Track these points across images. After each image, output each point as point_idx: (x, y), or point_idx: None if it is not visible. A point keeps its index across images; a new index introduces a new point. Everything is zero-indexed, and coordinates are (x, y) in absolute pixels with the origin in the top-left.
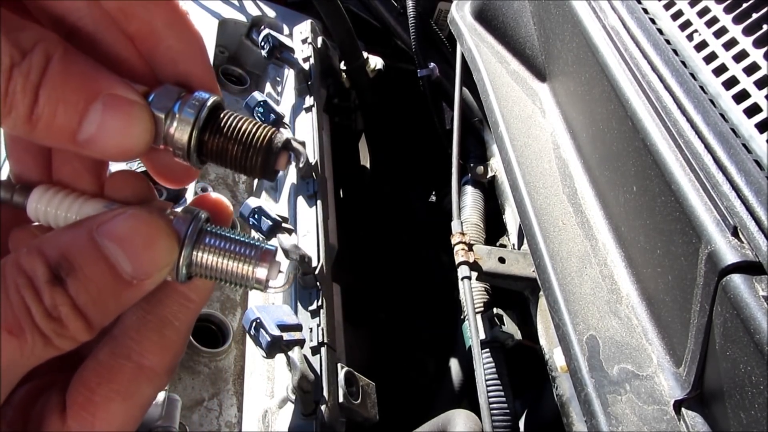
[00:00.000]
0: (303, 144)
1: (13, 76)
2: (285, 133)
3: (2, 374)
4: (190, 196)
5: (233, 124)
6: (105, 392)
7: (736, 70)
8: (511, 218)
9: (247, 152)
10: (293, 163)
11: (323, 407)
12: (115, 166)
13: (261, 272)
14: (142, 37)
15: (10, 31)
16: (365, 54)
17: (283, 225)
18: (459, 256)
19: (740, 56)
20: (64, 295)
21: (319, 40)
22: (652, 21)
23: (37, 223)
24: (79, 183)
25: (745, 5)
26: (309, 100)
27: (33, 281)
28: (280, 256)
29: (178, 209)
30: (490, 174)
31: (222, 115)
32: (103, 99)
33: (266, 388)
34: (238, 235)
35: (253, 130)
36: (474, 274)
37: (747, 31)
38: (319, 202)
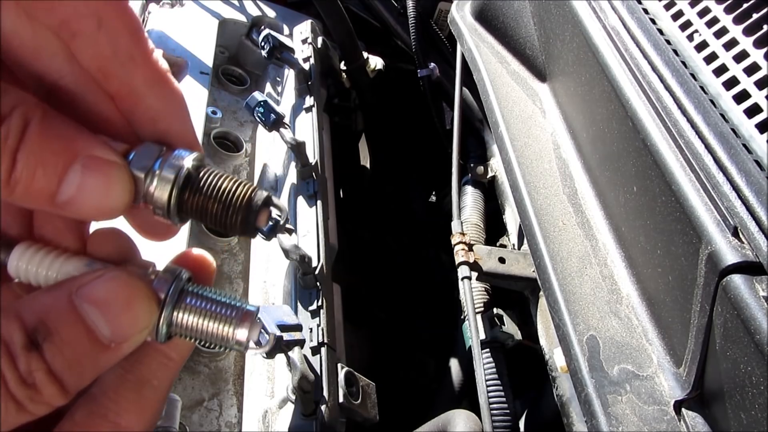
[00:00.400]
0: (281, 207)
1: None
2: (265, 192)
3: None
4: None
5: (213, 183)
6: None
7: (736, 70)
8: (511, 218)
9: (226, 211)
10: (275, 219)
11: (323, 407)
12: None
13: (241, 333)
14: (122, 96)
15: None
16: (365, 54)
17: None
18: (459, 256)
19: (741, 56)
20: (39, 361)
21: (319, 40)
22: (653, 21)
23: (18, 281)
24: (61, 240)
25: (745, 5)
26: (309, 100)
27: (9, 347)
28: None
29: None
30: (490, 174)
31: (202, 174)
32: (82, 161)
33: (266, 389)
34: (220, 296)
35: (233, 188)
36: (474, 274)
37: (747, 32)
38: (319, 202)
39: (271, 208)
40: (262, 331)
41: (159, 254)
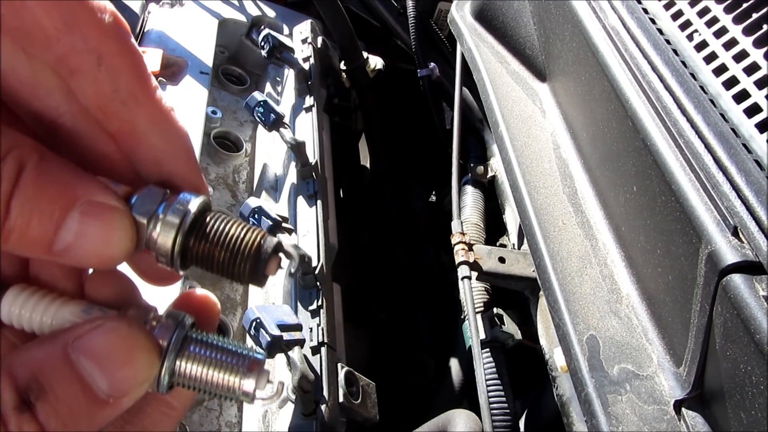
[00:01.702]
0: (296, 246)
1: None
2: (276, 237)
3: None
4: None
5: (220, 229)
6: None
7: (736, 70)
8: (511, 218)
9: (234, 259)
10: (287, 266)
11: (323, 407)
12: None
13: (248, 384)
14: (123, 136)
15: None
16: (365, 54)
17: (283, 225)
18: (459, 256)
19: (740, 56)
20: (32, 422)
21: (319, 40)
22: (652, 21)
23: (11, 325)
24: (57, 283)
25: (745, 5)
26: (309, 100)
27: None
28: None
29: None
30: (490, 174)
31: (208, 219)
32: (80, 206)
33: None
34: (225, 343)
35: (242, 234)
36: (474, 274)
37: (747, 31)
38: (319, 202)
39: (281, 254)
40: (270, 380)
41: (161, 290)
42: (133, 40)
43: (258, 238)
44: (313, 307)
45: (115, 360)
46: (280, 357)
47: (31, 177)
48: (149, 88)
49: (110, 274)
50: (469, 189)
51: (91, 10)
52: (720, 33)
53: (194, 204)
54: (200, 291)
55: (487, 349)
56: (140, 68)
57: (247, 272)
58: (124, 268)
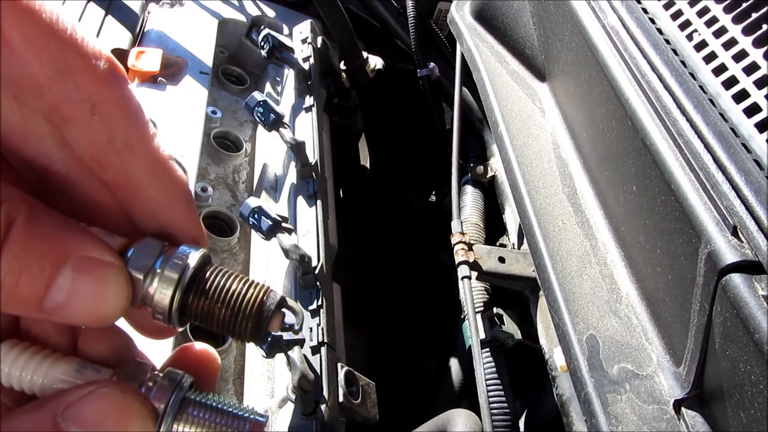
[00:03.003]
0: (294, 311)
1: None
2: (277, 293)
3: None
4: None
5: (221, 284)
6: None
7: (735, 69)
8: (511, 218)
9: (236, 317)
10: (291, 322)
11: (323, 407)
12: None
13: None
14: (119, 186)
15: None
16: (365, 54)
17: (283, 225)
18: (459, 255)
19: (740, 56)
20: None
21: (319, 40)
22: (652, 21)
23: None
24: (50, 339)
25: (744, 5)
26: (309, 100)
27: None
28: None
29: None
30: (490, 174)
31: (208, 274)
32: (73, 263)
33: (266, 388)
34: (225, 405)
35: (243, 290)
36: (474, 274)
37: (746, 31)
38: (319, 202)
39: (285, 310)
40: None
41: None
42: (129, 86)
43: (261, 295)
44: (313, 306)
45: (107, 430)
46: (280, 357)
47: (21, 233)
48: (146, 137)
49: (105, 329)
50: (469, 189)
51: (86, 57)
52: (719, 33)
53: (194, 258)
54: (199, 345)
55: (487, 349)
56: (136, 116)
57: (249, 331)
58: (119, 320)
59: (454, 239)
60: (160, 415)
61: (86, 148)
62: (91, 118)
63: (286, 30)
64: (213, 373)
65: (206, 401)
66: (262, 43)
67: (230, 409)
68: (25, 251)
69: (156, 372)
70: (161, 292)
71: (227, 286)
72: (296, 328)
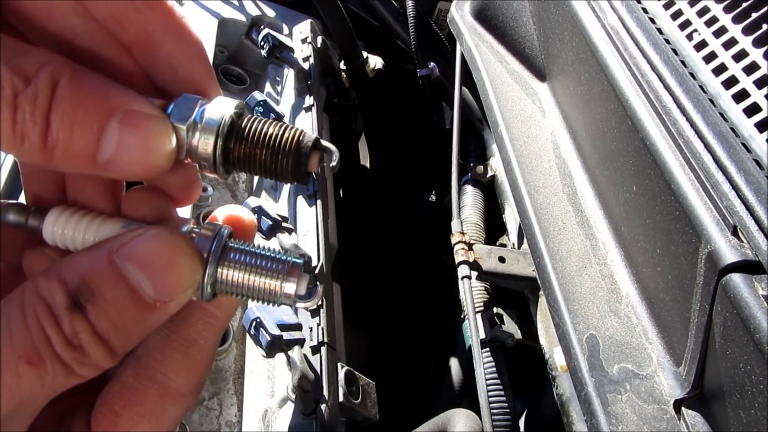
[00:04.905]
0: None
1: (20, 104)
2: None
3: (23, 406)
4: None
5: (258, 129)
6: (130, 416)
7: (735, 69)
8: (511, 218)
9: (276, 156)
10: (326, 164)
11: (323, 406)
12: None
13: (289, 287)
14: (139, 45)
15: (10, 58)
16: (365, 54)
17: (283, 224)
18: (459, 255)
19: (740, 56)
20: (84, 322)
21: (319, 39)
22: (652, 20)
23: (53, 245)
24: (96, 204)
25: (744, 5)
26: (309, 100)
27: (52, 308)
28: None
29: (198, 228)
30: (490, 173)
31: (245, 122)
32: (119, 116)
33: (266, 388)
34: (263, 250)
35: (280, 132)
36: (474, 274)
37: (746, 31)
38: (319, 202)
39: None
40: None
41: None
42: None
43: (297, 136)
44: (313, 306)
45: (159, 265)
46: (281, 356)
47: (67, 90)
48: None
49: (145, 191)
50: (469, 188)
51: None
52: (719, 32)
53: (230, 107)
54: (234, 208)
55: (487, 349)
56: None
57: (290, 168)
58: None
59: (454, 239)
60: (205, 259)
61: (107, 9)
62: None
63: (286, 30)
64: (250, 230)
65: (246, 247)
66: (262, 43)
67: (269, 253)
68: (74, 107)
69: (197, 227)
70: (204, 140)
71: (265, 130)
72: (333, 164)
